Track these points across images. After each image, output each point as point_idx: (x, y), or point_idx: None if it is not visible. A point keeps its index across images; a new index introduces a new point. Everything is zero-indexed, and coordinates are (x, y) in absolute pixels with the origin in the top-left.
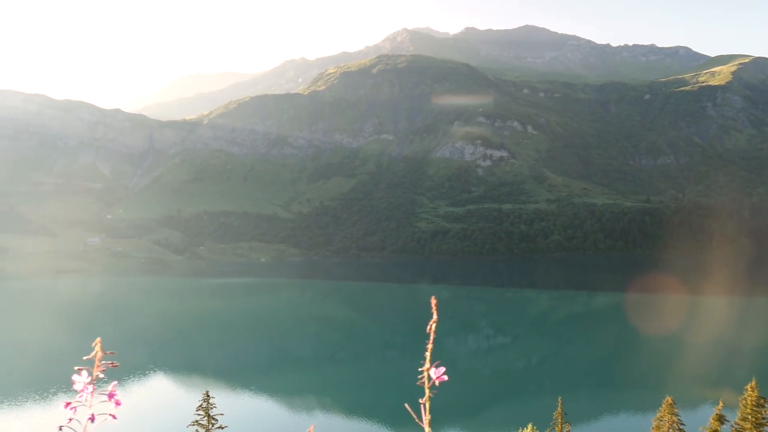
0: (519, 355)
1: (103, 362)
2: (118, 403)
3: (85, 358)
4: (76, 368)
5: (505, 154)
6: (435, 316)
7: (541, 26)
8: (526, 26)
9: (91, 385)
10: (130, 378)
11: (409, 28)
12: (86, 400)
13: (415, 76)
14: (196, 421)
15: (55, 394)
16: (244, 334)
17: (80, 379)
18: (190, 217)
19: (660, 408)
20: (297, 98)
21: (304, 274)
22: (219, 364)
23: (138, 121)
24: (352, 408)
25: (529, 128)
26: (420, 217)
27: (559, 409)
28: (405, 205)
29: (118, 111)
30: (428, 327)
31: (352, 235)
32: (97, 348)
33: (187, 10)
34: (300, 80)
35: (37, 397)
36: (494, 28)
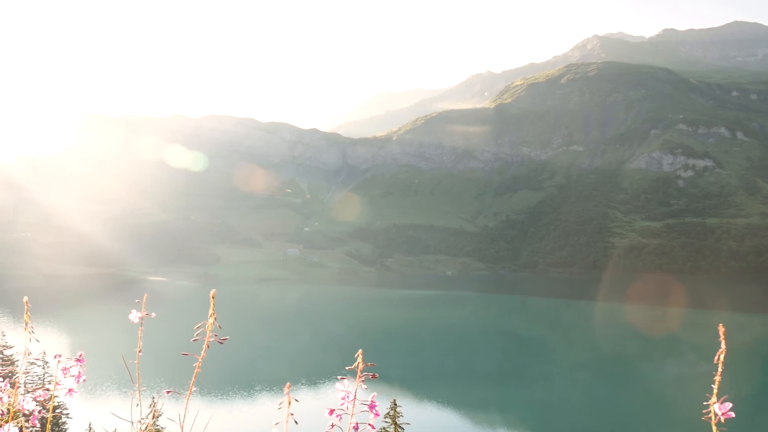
0: (727, 385)
1: (364, 373)
2: (377, 414)
3: (347, 368)
4: (339, 377)
5: (709, 163)
6: (723, 346)
7: (752, 21)
8: (734, 22)
9: (353, 395)
10: (324, 382)
11: (600, 34)
12: (348, 408)
13: (607, 83)
14: (384, 428)
15: (260, 391)
16: (430, 346)
17: (342, 388)
18: (380, 230)
19: None
20: (483, 112)
21: (489, 289)
22: (405, 374)
23: (333, 140)
24: (539, 429)
25: (739, 134)
26: (613, 231)
27: None
28: (596, 219)
29: (314, 130)
30: (716, 357)
31: (540, 249)
32: (359, 359)
33: (377, 33)
34: (486, 94)
35: (244, 393)
36: (696, 27)
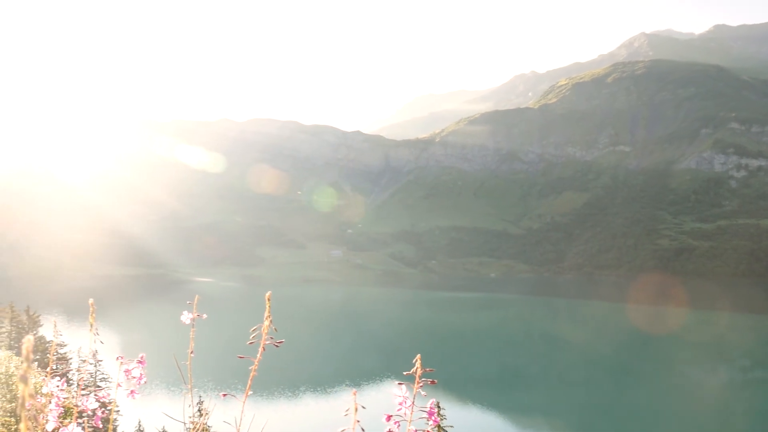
0: None
1: (423, 379)
2: (436, 422)
3: (405, 373)
4: (397, 383)
5: (764, 163)
6: None
7: None
8: None
9: (411, 400)
10: (367, 383)
11: (648, 31)
12: (405, 414)
13: (655, 82)
14: (427, 430)
15: (304, 392)
16: (473, 348)
17: (400, 393)
18: (423, 232)
19: None
20: (527, 112)
21: (534, 291)
22: (449, 376)
23: (375, 142)
24: None
25: None
26: (661, 233)
27: None
28: (644, 220)
29: (357, 133)
30: None
31: (586, 252)
32: (418, 364)
33: (420, 35)
34: (530, 94)
35: (290, 395)
36: (749, 22)
